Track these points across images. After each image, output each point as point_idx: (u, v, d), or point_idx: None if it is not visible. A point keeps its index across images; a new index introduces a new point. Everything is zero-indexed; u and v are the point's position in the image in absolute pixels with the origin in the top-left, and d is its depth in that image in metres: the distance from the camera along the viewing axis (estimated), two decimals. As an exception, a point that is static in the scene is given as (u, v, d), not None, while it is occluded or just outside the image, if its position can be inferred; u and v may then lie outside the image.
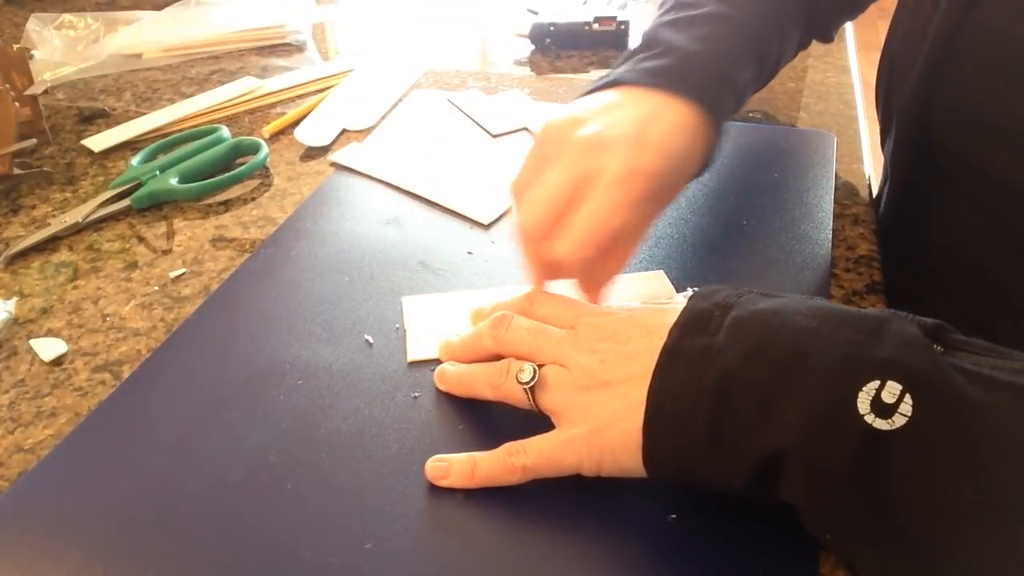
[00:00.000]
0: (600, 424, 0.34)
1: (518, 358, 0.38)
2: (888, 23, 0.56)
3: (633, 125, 0.41)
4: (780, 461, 0.30)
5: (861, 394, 0.28)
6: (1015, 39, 0.42)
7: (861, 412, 0.28)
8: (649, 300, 0.46)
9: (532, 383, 0.36)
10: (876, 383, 0.28)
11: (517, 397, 0.38)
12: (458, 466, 0.36)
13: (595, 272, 0.42)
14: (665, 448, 0.32)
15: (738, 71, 0.48)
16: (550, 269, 0.42)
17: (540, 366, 0.37)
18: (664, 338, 0.33)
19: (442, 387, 0.41)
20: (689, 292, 0.46)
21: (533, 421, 0.37)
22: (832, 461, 0.29)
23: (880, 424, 0.28)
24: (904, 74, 0.50)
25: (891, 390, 0.28)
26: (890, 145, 0.54)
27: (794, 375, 0.30)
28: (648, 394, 0.33)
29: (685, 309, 0.34)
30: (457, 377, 0.40)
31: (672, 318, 0.34)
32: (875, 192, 0.61)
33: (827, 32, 0.61)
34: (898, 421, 0.27)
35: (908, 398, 0.27)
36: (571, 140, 0.41)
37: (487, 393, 0.39)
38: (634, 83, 0.44)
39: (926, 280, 0.53)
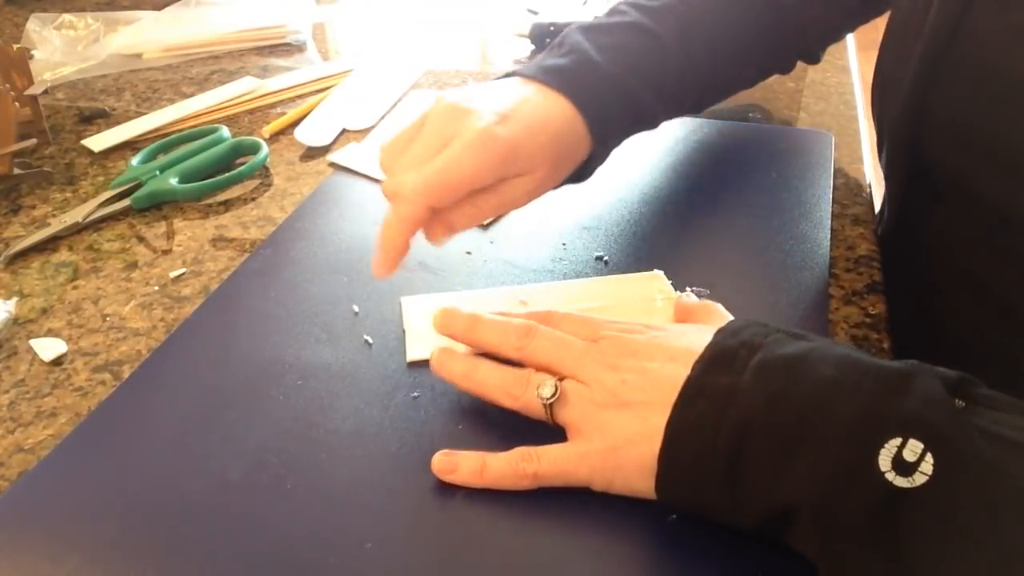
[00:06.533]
0: (617, 443, 0.34)
1: (538, 369, 0.38)
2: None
3: (504, 101, 0.43)
4: (794, 512, 0.30)
5: (883, 451, 0.28)
6: (1001, 67, 0.41)
7: (882, 469, 0.27)
8: (647, 300, 0.46)
9: (553, 399, 0.36)
10: (898, 440, 0.28)
11: (534, 409, 0.37)
12: (467, 463, 0.35)
13: (442, 218, 0.42)
14: (679, 480, 0.32)
15: (639, 84, 0.48)
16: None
17: (560, 379, 0.37)
18: (688, 368, 0.33)
19: (443, 375, 0.40)
20: (689, 292, 0.46)
21: (534, 425, 0.37)
22: (850, 516, 0.28)
23: (900, 482, 0.27)
24: (894, 92, 0.49)
25: (913, 448, 0.27)
26: (884, 158, 0.54)
27: (816, 426, 0.29)
28: (667, 424, 0.33)
29: (711, 344, 0.34)
30: (465, 373, 0.39)
31: (697, 345, 0.34)
32: (875, 195, 0.61)
33: (812, 53, 0.61)
34: (918, 479, 0.27)
35: (929, 456, 0.27)
36: (443, 105, 0.42)
37: (504, 401, 0.38)
38: (527, 76, 0.46)
39: (923, 283, 0.53)
